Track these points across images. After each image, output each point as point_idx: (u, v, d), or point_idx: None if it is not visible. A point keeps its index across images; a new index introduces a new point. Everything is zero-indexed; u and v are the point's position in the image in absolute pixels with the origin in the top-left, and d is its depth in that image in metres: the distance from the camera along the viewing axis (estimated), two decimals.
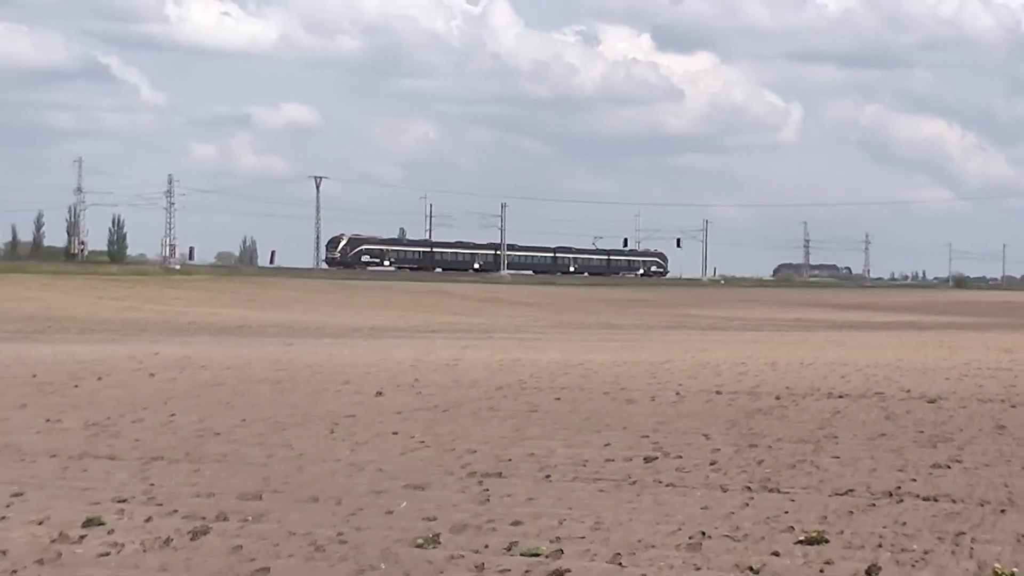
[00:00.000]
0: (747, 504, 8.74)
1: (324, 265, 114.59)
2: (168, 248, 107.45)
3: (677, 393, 17.20)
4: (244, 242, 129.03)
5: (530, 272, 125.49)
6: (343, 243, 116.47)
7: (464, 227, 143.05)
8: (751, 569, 6.60)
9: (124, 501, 9.22)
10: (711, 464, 10.73)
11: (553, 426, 13.79)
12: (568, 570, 6.61)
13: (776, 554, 6.93)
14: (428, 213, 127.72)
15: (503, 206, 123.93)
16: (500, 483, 9.78)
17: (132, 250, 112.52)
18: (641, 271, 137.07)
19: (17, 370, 21.47)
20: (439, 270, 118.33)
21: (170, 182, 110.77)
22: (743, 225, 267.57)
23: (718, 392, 17.30)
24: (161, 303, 58.91)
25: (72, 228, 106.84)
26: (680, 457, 11.15)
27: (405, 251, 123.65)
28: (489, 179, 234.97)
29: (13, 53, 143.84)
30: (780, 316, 70.88)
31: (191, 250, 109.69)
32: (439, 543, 7.39)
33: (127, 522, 8.38)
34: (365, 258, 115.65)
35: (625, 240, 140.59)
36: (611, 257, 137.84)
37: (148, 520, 8.43)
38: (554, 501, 8.96)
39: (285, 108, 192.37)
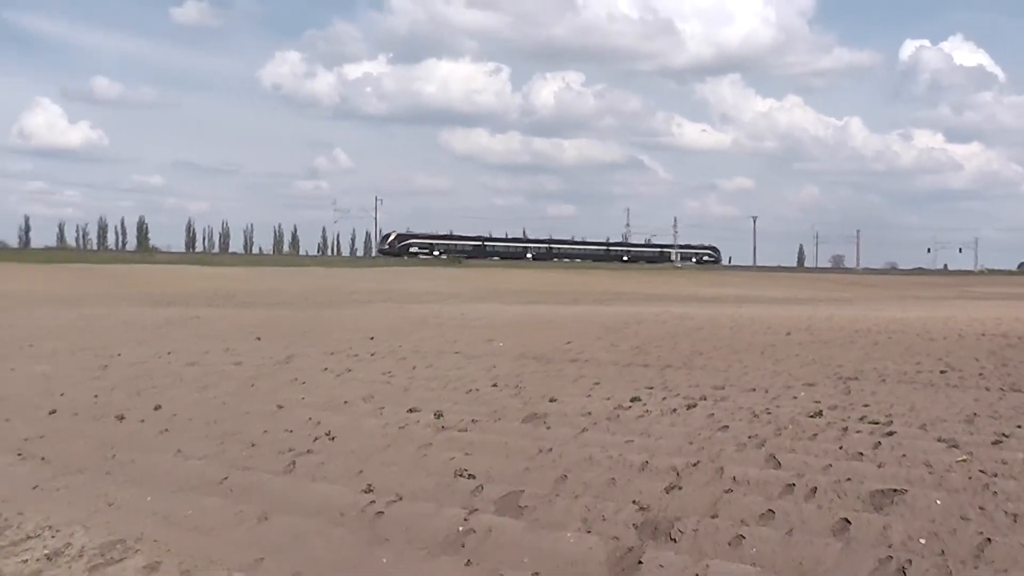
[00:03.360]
0: (1000, 399, 13.74)
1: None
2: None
3: (959, 335, 24.98)
4: None
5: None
6: (391, 238, 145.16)
7: None
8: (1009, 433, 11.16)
9: (651, 388, 14.73)
10: (979, 375, 16.45)
11: (887, 354, 20.69)
12: (895, 431, 10.74)
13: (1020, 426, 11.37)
14: None
15: None
16: (856, 384, 15.56)
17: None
18: (694, 260, 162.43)
19: (596, 319, 35.76)
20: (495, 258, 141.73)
21: (675, 223, 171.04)
22: None
23: (983, 335, 24.84)
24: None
25: None
26: (960, 371, 17.05)
27: (455, 244, 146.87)
28: None
29: (592, 155, 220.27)
30: None
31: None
32: (822, 415, 12.09)
33: (653, 400, 13.46)
34: (413, 249, 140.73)
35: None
36: (663, 249, 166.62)
37: (663, 399, 13.54)
38: (888, 394, 14.30)
39: (736, 180, 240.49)
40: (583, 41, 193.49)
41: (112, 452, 10.09)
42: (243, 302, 46.78)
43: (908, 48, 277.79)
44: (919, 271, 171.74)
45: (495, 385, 15.32)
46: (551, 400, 13.53)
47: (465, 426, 11.41)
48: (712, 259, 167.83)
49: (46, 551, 7.10)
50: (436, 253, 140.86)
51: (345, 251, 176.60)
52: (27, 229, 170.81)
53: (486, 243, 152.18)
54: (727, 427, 11.23)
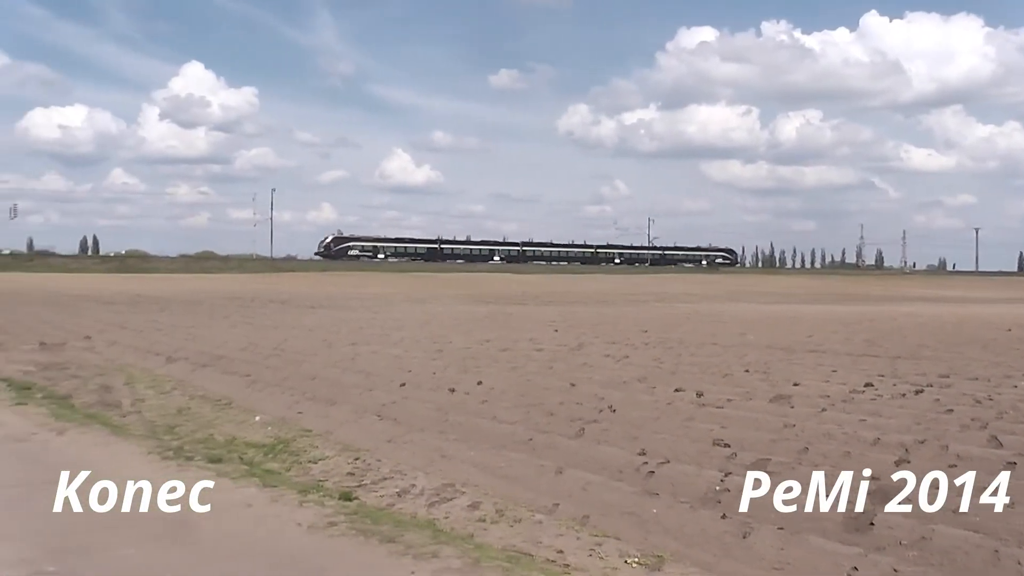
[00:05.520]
0: None
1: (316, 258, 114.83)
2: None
3: None
4: None
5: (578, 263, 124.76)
6: (327, 240, 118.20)
7: None
8: None
9: (882, 376, 13.84)
10: None
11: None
12: None
13: None
14: None
15: None
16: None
17: None
18: (705, 262, 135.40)
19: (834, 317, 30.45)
20: (460, 261, 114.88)
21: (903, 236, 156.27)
22: None
23: None
24: None
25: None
26: None
27: (404, 247, 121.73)
28: None
29: (829, 179, 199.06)
30: None
31: None
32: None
33: (884, 385, 12.70)
34: (352, 252, 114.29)
35: None
36: (666, 251, 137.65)
37: (893, 385, 12.73)
38: None
39: (960, 196, 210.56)
40: (821, 84, 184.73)
41: (445, 416, 10.54)
42: (544, 301, 47.80)
43: None
44: None
45: (747, 371, 14.89)
46: (794, 384, 13.00)
47: (721, 404, 11.15)
48: (728, 262, 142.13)
49: (396, 489, 7.51)
50: (382, 256, 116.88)
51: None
52: None
53: (443, 245, 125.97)
54: (951, 410, 10.41)
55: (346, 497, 6.95)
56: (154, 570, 5.01)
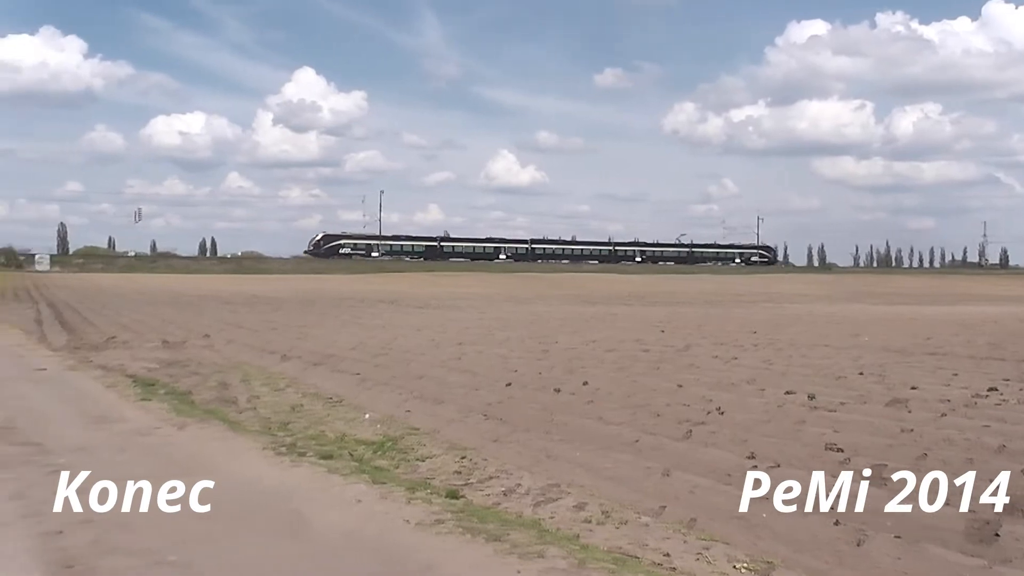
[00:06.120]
0: None
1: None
2: None
3: None
4: None
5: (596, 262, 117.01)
6: (319, 238, 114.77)
7: None
8: None
9: (1007, 380, 13.18)
10: None
11: None
12: None
13: None
14: None
15: None
16: None
17: None
18: (738, 261, 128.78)
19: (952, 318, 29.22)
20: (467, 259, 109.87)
21: None
22: None
23: None
24: None
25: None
26: None
27: (400, 244, 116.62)
28: None
29: (949, 174, 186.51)
30: None
31: None
32: None
33: (1010, 390, 12.13)
34: (344, 251, 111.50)
35: None
36: (693, 249, 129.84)
37: (1020, 390, 12.25)
38: None
39: None
40: (940, 76, 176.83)
41: (551, 416, 10.56)
42: (649, 302, 47.37)
43: None
44: None
45: (861, 373, 14.42)
46: (912, 387, 12.53)
47: (834, 407, 10.83)
48: (765, 260, 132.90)
49: (502, 489, 7.56)
50: (375, 254, 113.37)
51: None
52: None
53: (443, 243, 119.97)
54: None
55: (453, 495, 7.03)
56: (271, 561, 5.19)
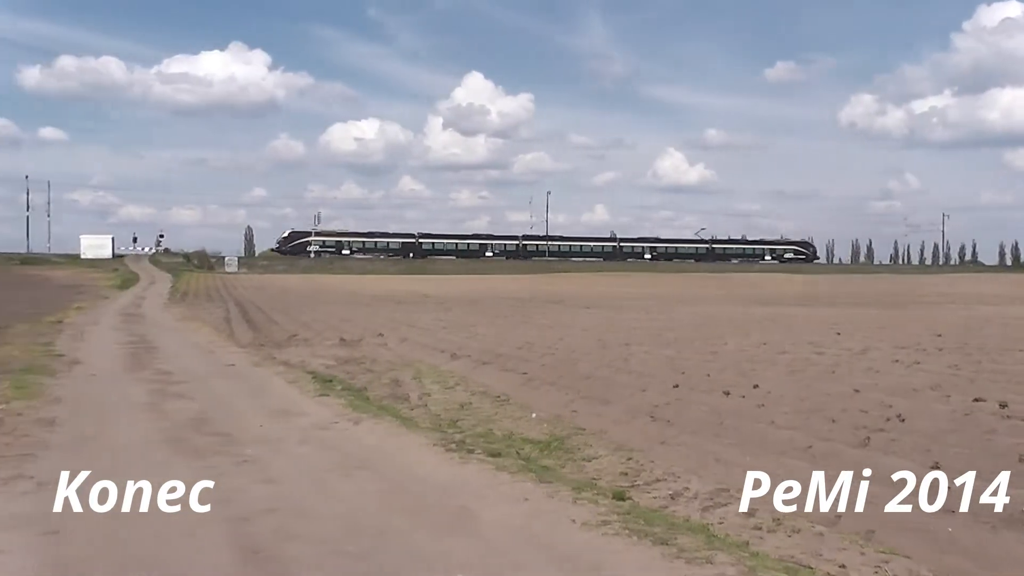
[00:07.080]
0: None
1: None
2: None
3: None
4: None
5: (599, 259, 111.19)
6: (286, 235, 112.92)
7: None
8: None
9: None
10: None
11: None
12: None
13: None
14: None
15: None
16: None
17: None
18: (768, 257, 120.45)
19: None
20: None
21: None
22: None
23: None
24: None
25: None
26: None
27: (375, 242, 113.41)
28: None
29: None
30: None
31: None
32: None
33: None
34: (311, 248, 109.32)
35: None
36: (714, 246, 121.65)
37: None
38: None
39: None
40: None
41: (720, 419, 10.38)
42: (826, 303, 45.64)
43: None
44: None
45: None
46: None
47: None
48: (803, 257, 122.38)
49: (669, 492, 7.50)
50: (347, 252, 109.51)
51: (915, 260, 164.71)
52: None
53: (421, 240, 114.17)
54: None
55: (619, 496, 7.02)
56: (442, 554, 5.35)
